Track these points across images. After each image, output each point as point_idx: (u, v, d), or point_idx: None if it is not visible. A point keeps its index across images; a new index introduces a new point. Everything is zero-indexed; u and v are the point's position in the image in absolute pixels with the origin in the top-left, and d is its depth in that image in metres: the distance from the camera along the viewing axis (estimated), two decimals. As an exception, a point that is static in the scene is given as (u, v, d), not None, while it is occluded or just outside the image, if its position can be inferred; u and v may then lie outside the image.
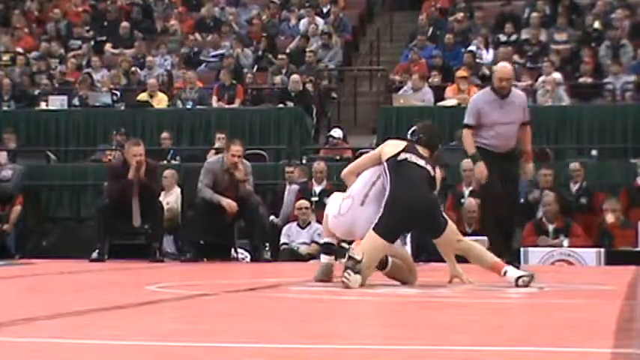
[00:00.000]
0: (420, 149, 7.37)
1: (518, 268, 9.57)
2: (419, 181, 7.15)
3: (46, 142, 16.33)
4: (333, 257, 7.51)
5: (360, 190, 7.29)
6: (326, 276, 7.35)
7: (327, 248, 7.50)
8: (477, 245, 7.54)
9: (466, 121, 9.78)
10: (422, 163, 7.26)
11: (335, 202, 7.38)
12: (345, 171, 7.63)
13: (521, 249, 12.31)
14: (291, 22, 20.18)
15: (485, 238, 9.91)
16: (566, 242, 12.30)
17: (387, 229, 6.95)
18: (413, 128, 7.57)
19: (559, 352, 3.62)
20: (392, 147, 7.30)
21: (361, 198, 7.23)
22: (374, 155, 7.44)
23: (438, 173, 7.47)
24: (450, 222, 7.32)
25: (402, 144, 7.32)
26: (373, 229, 6.94)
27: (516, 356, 3.53)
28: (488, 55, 18.05)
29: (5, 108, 17.48)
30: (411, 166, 7.17)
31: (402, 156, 7.19)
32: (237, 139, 11.96)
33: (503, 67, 9.85)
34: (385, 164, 7.17)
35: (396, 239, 7.23)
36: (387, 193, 7.05)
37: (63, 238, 13.91)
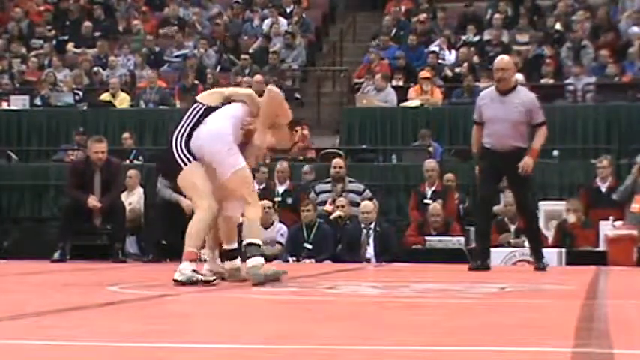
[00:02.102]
0: None
1: (544, 269, 9.58)
2: (181, 120, 7.27)
3: (8, 142, 16.20)
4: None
5: None
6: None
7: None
8: (203, 226, 7.09)
9: (473, 116, 9.84)
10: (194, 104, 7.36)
11: None
12: None
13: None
14: (254, 23, 20.17)
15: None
16: (527, 242, 12.39)
17: None
18: None
19: (520, 351, 3.66)
20: None
21: None
22: None
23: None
24: (185, 172, 7.08)
25: None
26: None
27: (476, 356, 3.55)
28: (450, 56, 18.15)
29: (-34, 108, 17.34)
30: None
31: None
32: None
33: (500, 58, 9.86)
34: None
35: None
36: None
37: (24, 239, 13.80)
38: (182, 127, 7.21)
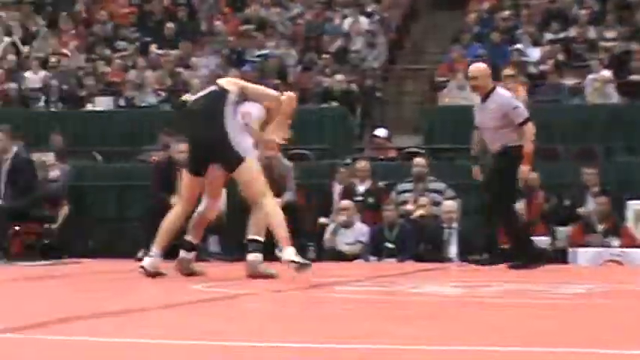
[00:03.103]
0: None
1: (517, 268, 9.31)
2: (200, 116, 7.64)
3: (93, 143, 16.43)
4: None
5: None
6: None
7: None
8: (279, 214, 7.51)
9: None
10: (201, 93, 7.82)
11: None
12: None
13: (569, 249, 12.19)
14: (335, 22, 20.16)
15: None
16: (616, 242, 12.14)
17: (188, 164, 7.72)
18: None
19: (606, 354, 3.56)
20: None
21: None
22: None
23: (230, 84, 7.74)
24: (249, 163, 7.45)
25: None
26: None
27: (562, 357, 3.47)
28: (535, 53, 17.89)
29: (53, 109, 17.64)
30: (192, 106, 7.86)
31: (189, 101, 8.03)
32: None
33: (472, 66, 9.95)
34: None
35: (197, 172, 7.64)
36: None
37: (109, 238, 13.98)
38: (234, 118, 7.51)
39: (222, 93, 7.55)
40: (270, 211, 7.43)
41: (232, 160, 7.40)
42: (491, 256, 9.62)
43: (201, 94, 7.83)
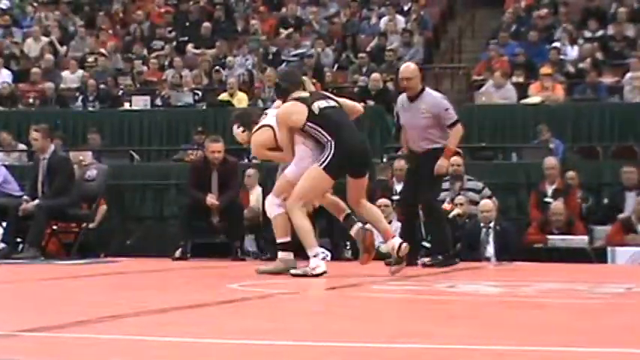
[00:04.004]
0: (312, 89, 8.21)
1: (432, 266, 9.46)
2: (348, 121, 7.87)
3: (130, 142, 16.50)
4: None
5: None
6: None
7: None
8: (376, 209, 8.32)
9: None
10: (329, 104, 7.84)
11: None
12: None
13: (608, 248, 12.08)
14: (371, 21, 20.13)
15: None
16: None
17: (333, 166, 7.60)
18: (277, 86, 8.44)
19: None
20: (298, 113, 7.73)
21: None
22: (286, 145, 7.82)
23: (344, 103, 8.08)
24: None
25: (301, 104, 7.76)
26: (319, 165, 7.61)
27: (604, 357, 3.43)
28: (572, 52, 17.75)
29: (90, 108, 17.74)
30: (330, 109, 7.77)
31: (315, 107, 7.72)
32: None
33: (404, 66, 9.87)
34: (310, 124, 7.66)
35: (339, 177, 7.79)
36: (330, 140, 7.61)
37: (146, 237, 14.03)
38: None
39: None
40: (370, 209, 8.12)
41: (367, 170, 7.96)
42: (445, 258, 9.55)
43: (329, 104, 7.86)
